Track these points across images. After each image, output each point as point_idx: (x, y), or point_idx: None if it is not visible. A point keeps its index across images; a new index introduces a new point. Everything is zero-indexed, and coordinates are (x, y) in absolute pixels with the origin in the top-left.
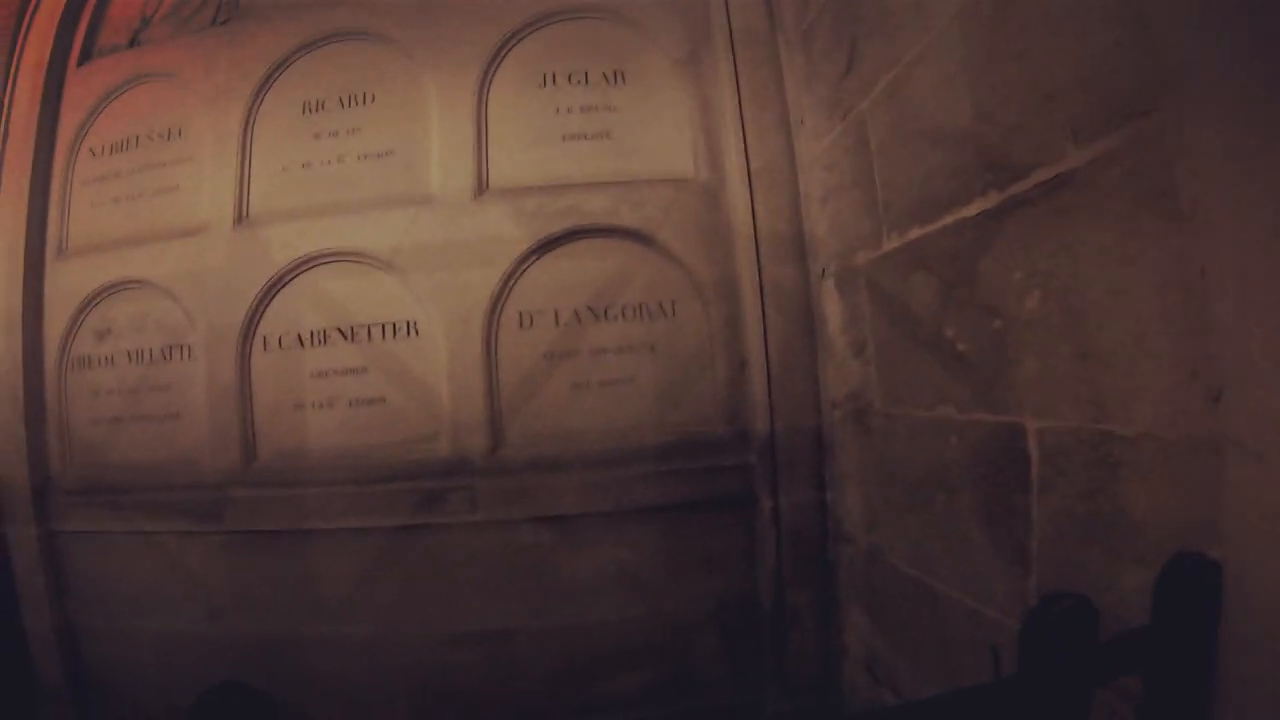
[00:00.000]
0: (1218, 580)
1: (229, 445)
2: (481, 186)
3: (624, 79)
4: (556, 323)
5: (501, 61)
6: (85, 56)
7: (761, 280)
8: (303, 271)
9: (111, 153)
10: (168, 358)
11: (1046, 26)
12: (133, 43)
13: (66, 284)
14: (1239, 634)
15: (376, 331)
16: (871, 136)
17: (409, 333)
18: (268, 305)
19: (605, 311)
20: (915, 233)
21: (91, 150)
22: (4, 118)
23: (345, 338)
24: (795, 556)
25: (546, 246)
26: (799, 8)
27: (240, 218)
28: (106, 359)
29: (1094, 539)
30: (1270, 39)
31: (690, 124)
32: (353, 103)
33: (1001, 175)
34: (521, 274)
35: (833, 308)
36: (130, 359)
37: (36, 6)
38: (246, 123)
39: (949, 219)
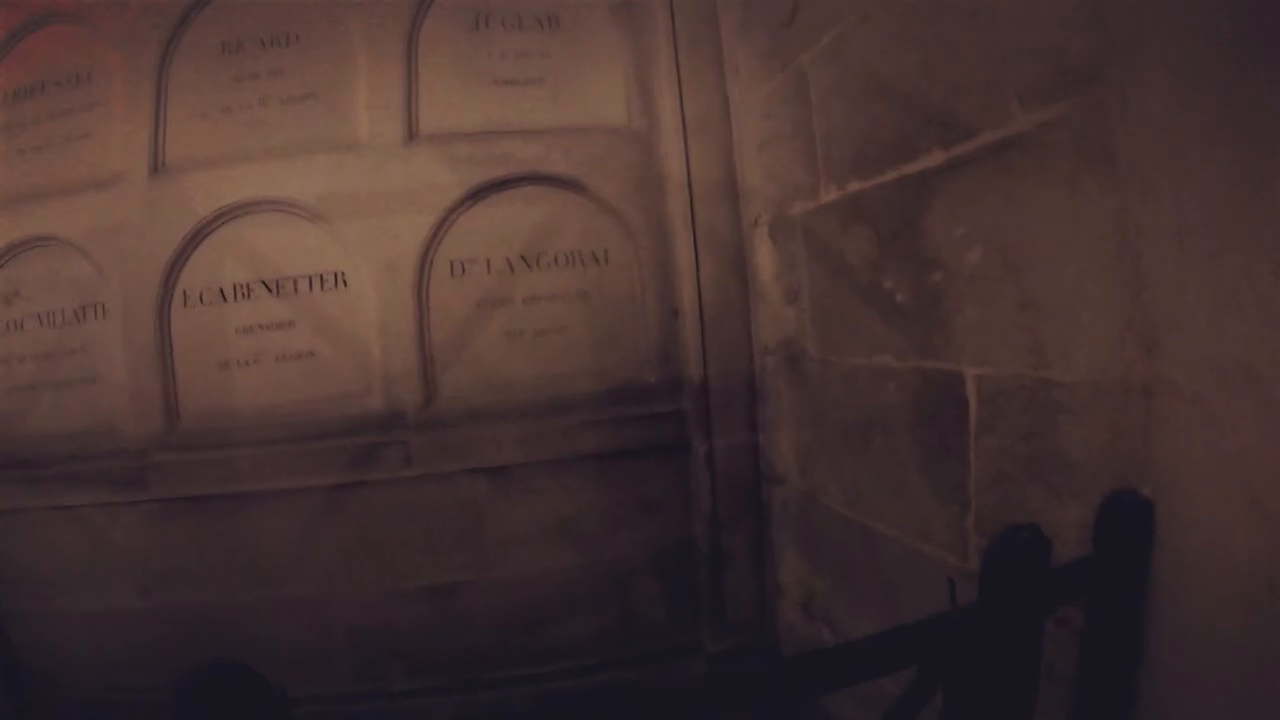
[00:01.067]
0: (1150, 514)
1: (151, 409)
2: (411, 132)
3: (558, 24)
4: (489, 271)
5: (433, 3)
6: None
7: (695, 227)
8: (224, 222)
9: (16, 100)
10: (81, 319)
11: None
12: None
13: None
14: (1171, 562)
15: (304, 284)
16: (813, 89)
17: (337, 284)
18: (187, 259)
19: (538, 259)
20: (855, 186)
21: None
22: None
23: (270, 291)
24: (729, 499)
25: (479, 194)
26: None
27: (156, 166)
28: (16, 323)
29: (1033, 478)
30: (1213, 9)
31: (625, 71)
32: (274, 43)
33: (947, 134)
34: (453, 222)
35: (766, 256)
36: (42, 322)
37: None
38: (161, 65)
39: (891, 174)
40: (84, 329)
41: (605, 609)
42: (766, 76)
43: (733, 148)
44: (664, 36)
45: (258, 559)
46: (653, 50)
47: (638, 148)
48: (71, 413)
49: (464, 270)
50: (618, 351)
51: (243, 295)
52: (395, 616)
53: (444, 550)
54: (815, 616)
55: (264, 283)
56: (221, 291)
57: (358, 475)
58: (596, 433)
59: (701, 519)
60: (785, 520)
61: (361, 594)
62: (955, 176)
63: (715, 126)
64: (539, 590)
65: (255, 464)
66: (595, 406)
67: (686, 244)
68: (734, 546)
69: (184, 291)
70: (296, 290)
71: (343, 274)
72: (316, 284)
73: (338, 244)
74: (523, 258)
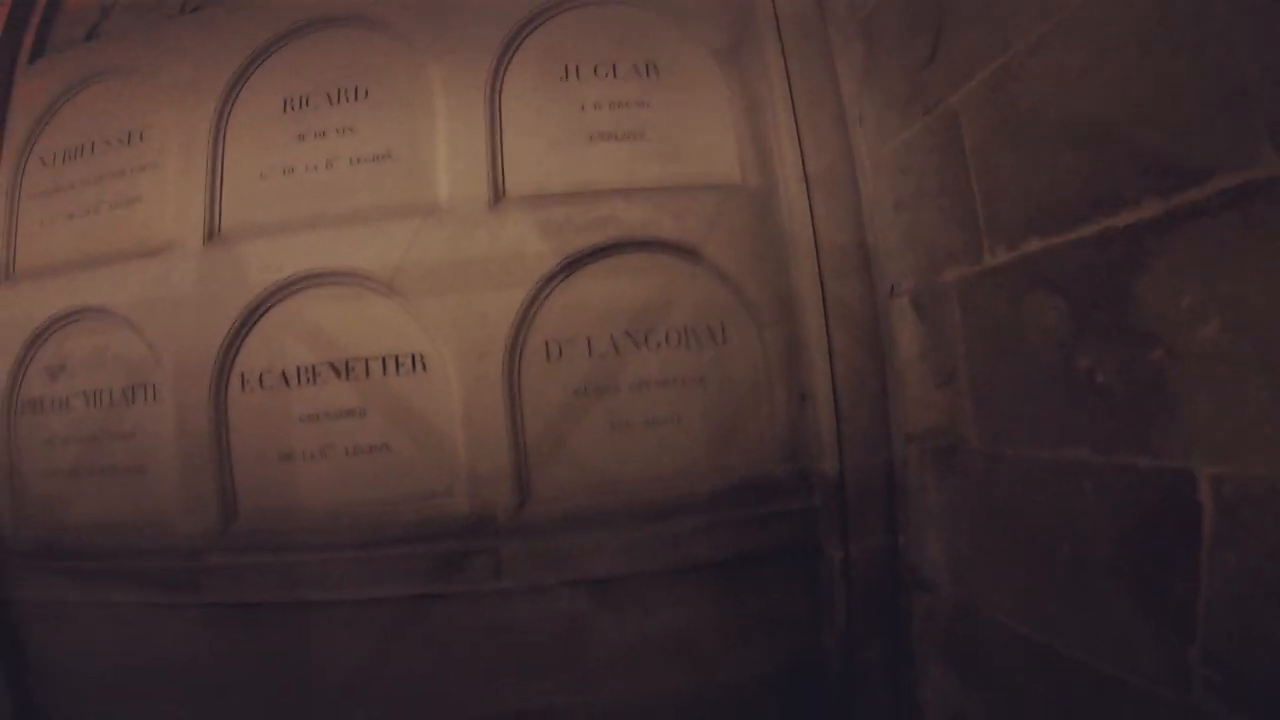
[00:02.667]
0: None
1: (204, 503)
2: (498, 194)
3: (657, 71)
4: (590, 353)
5: (516, 51)
6: (38, 53)
7: (825, 299)
8: (286, 296)
9: (65, 161)
10: (130, 400)
11: (1234, 11)
12: (90, 36)
13: (14, 314)
14: None
15: (376, 366)
16: (967, 135)
17: (414, 368)
18: (245, 337)
19: (646, 338)
20: (1033, 245)
21: (42, 159)
22: None
23: (339, 374)
24: (865, 610)
25: (576, 263)
26: None
27: (211, 233)
28: (61, 401)
29: None
30: None
31: (734, 123)
32: (343, 98)
33: (1166, 180)
34: (547, 297)
35: (907, 331)
36: (88, 401)
37: None
38: (218, 122)
39: (1086, 230)
40: (133, 411)
41: None
42: (900, 125)
43: (861, 207)
44: (777, 84)
45: (320, 676)
46: (764, 99)
47: (755, 209)
48: (117, 503)
49: (561, 352)
50: (738, 444)
51: (308, 379)
52: None
53: (537, 671)
54: None
55: (331, 365)
56: (284, 374)
57: (438, 586)
58: (714, 537)
59: (833, 632)
60: (930, 632)
61: None
62: (1178, 232)
63: (841, 184)
64: (644, 716)
65: (320, 570)
66: (713, 507)
67: (816, 319)
68: (869, 662)
69: (242, 374)
70: (368, 374)
71: (421, 356)
72: (391, 367)
73: (415, 322)
74: (629, 336)
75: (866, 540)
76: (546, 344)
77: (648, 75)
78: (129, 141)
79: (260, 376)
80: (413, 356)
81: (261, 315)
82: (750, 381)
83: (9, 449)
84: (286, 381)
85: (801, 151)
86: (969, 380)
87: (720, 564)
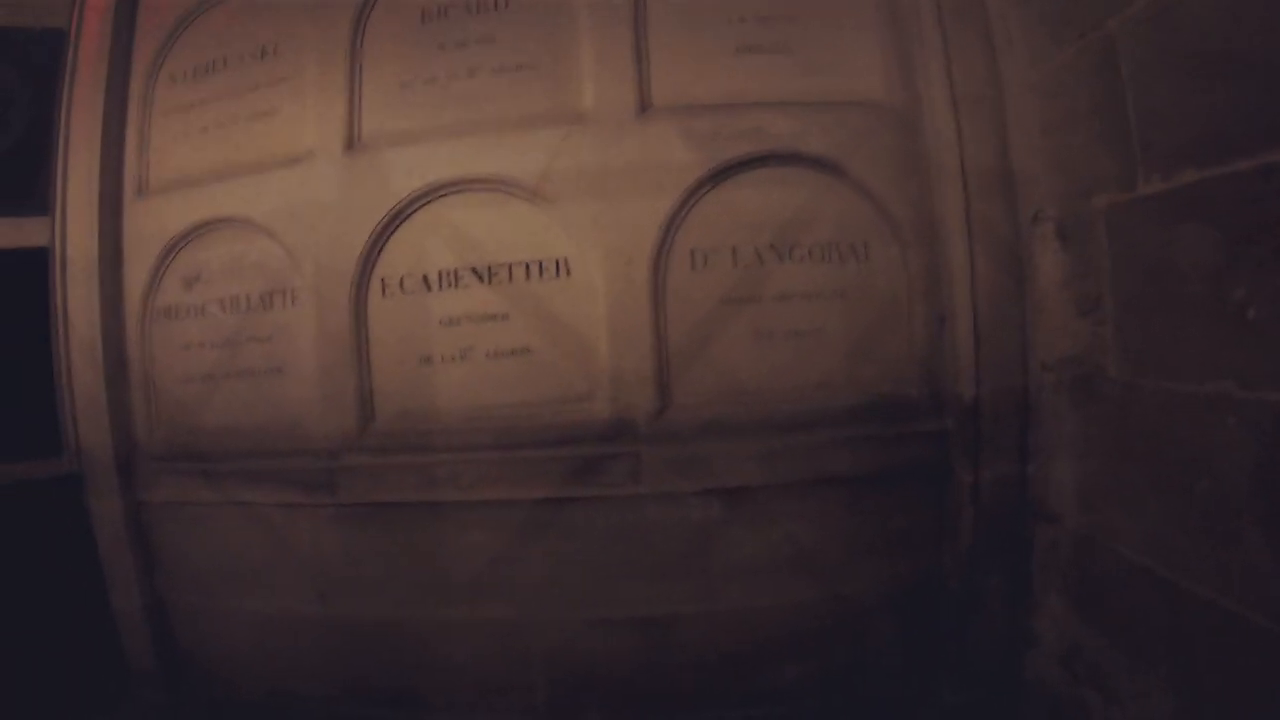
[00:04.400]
0: None
1: (343, 405)
2: (645, 102)
3: None
4: (735, 263)
5: None
6: None
7: (970, 221)
8: (429, 202)
9: (195, 77)
10: (268, 305)
11: None
12: None
13: (148, 225)
14: None
15: (519, 271)
16: (1124, 62)
17: (559, 273)
18: (387, 242)
19: (790, 251)
20: (1189, 176)
21: (172, 76)
22: (71, 48)
23: (481, 279)
24: (989, 535)
25: (723, 174)
26: None
27: (352, 142)
28: (197, 308)
29: None
30: None
31: (880, 38)
32: (482, 9)
33: None
34: (694, 206)
35: (1049, 257)
36: (224, 307)
37: None
38: (355, 34)
39: (1246, 164)
40: (271, 316)
41: (834, 649)
42: (1052, 48)
43: (1007, 131)
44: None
45: (451, 574)
46: (911, 15)
47: (901, 127)
48: (253, 406)
49: (706, 261)
50: (876, 361)
51: (449, 283)
52: (600, 647)
53: (663, 577)
54: (1079, 676)
55: (474, 270)
56: (425, 279)
57: (574, 490)
58: (847, 452)
59: (955, 555)
60: (1051, 563)
61: (564, 620)
62: None
63: (987, 106)
64: (763, 626)
65: (456, 471)
66: (849, 422)
67: (959, 241)
68: (988, 588)
69: (383, 279)
70: (511, 279)
71: (565, 261)
72: (535, 272)
73: (561, 228)
74: (773, 248)
75: (996, 466)
76: (692, 252)
77: None
78: (262, 56)
79: (401, 280)
80: (557, 261)
81: (404, 220)
82: (891, 300)
83: (144, 355)
84: (428, 285)
85: (949, 71)
86: (1113, 309)
87: (851, 479)
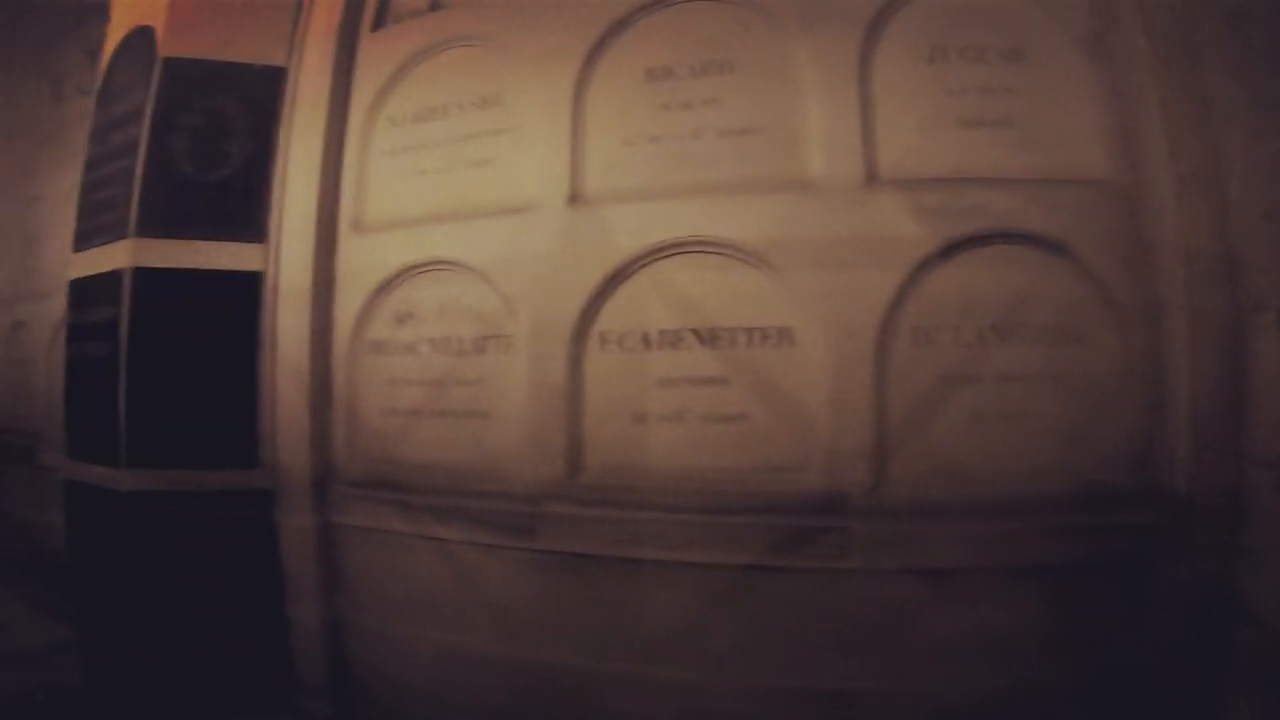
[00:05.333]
0: None
1: (550, 454)
2: (871, 174)
3: (1023, 57)
4: (956, 342)
5: (883, 30)
6: (379, 22)
7: (1190, 306)
8: (653, 261)
9: (415, 122)
10: (480, 350)
11: None
12: (435, 6)
13: (362, 261)
14: None
15: (741, 337)
16: None
17: (781, 341)
18: (608, 298)
19: (1011, 332)
20: None
21: (391, 119)
22: (291, 86)
23: (702, 342)
24: (1188, 635)
25: (949, 251)
26: None
27: (575, 196)
28: (407, 346)
29: None
30: None
31: (1100, 115)
32: (707, 71)
33: None
34: (918, 282)
35: (1270, 351)
36: (435, 347)
37: None
38: (578, 89)
39: None
40: (481, 360)
41: None
42: (1275, 131)
43: (1228, 213)
44: (1144, 76)
45: (639, 630)
46: (1129, 92)
47: (1121, 206)
48: (456, 445)
49: (929, 339)
50: (1088, 448)
51: (669, 344)
52: (781, 716)
53: (855, 652)
54: None
55: (695, 332)
56: (645, 337)
57: (778, 559)
58: (1054, 541)
59: (1151, 653)
60: (1252, 668)
61: (749, 687)
62: None
63: (1207, 187)
64: (949, 710)
65: (661, 530)
66: (1057, 510)
67: (1179, 326)
68: (1183, 688)
69: (601, 333)
70: (733, 344)
71: (789, 330)
72: (757, 339)
73: (785, 296)
74: (995, 329)
75: (1202, 564)
76: (915, 329)
77: (1013, 61)
78: (484, 105)
79: (620, 337)
80: (780, 330)
81: (626, 278)
82: (1106, 385)
83: (349, 385)
84: (647, 344)
85: (1171, 149)
86: None
87: (1053, 568)
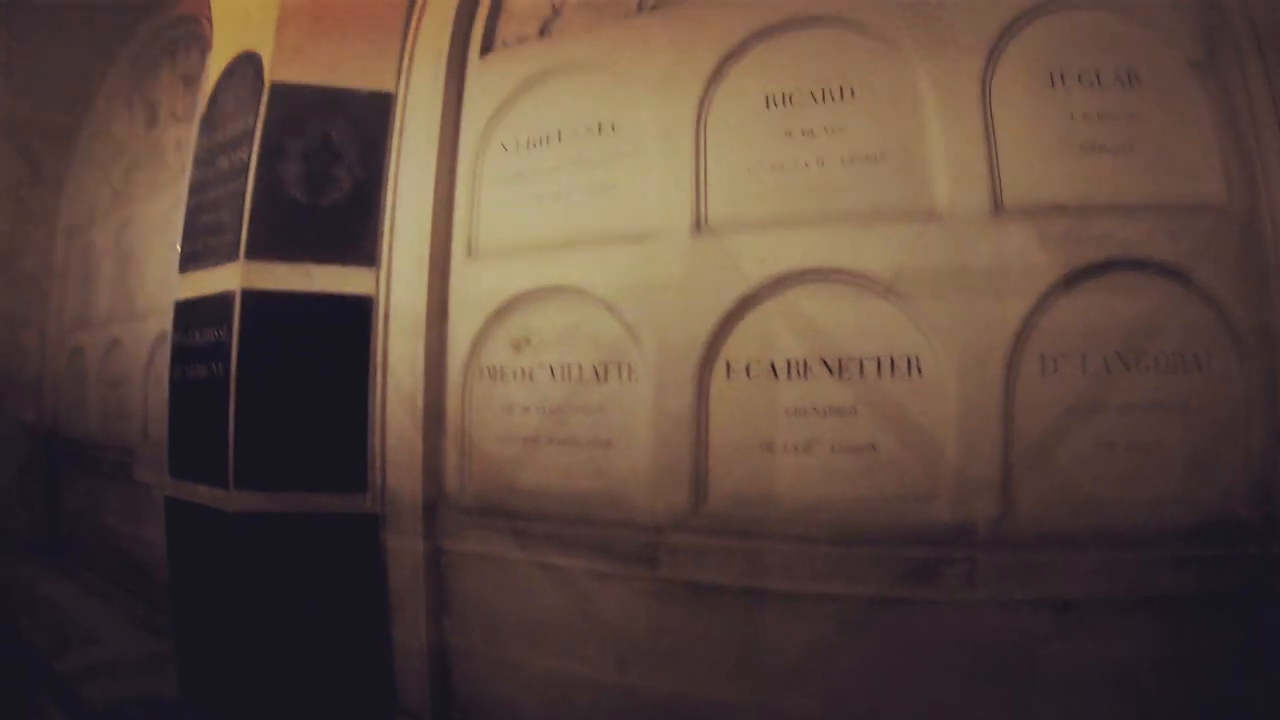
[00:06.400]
0: None
1: (675, 483)
2: (998, 202)
3: (1139, 80)
4: (1083, 370)
5: (1001, 54)
6: (487, 48)
7: None
8: (780, 290)
9: (529, 148)
10: (602, 377)
11: None
12: (543, 32)
13: (477, 287)
14: None
15: (870, 366)
16: None
17: (910, 370)
18: (733, 327)
19: (1136, 360)
20: None
21: (504, 145)
22: (400, 111)
23: (830, 371)
24: None
25: (1075, 279)
26: None
27: (698, 224)
28: (524, 372)
29: None
30: None
31: (1217, 138)
32: (828, 97)
33: None
34: (1045, 310)
35: None
36: (554, 375)
37: None
38: (699, 117)
39: None
40: (603, 389)
41: None
42: None
43: None
44: (1258, 98)
45: (761, 660)
46: (1244, 114)
47: (1241, 232)
48: (575, 474)
49: (1055, 367)
50: (1211, 477)
51: (797, 373)
52: None
53: (979, 684)
54: None
55: (824, 361)
56: (772, 366)
57: (905, 590)
58: (1178, 572)
59: (1267, 685)
60: None
61: (872, 718)
62: None
63: None
64: None
65: (786, 561)
66: (1181, 540)
67: None
68: None
69: (727, 362)
70: (862, 373)
71: (917, 359)
72: (886, 368)
73: (913, 325)
74: (1119, 357)
75: None
76: (1042, 357)
77: (1130, 85)
78: (600, 131)
79: (747, 366)
80: (909, 359)
81: (753, 307)
82: (1228, 414)
83: (463, 411)
84: (775, 373)
85: None
86: None
87: (1177, 599)
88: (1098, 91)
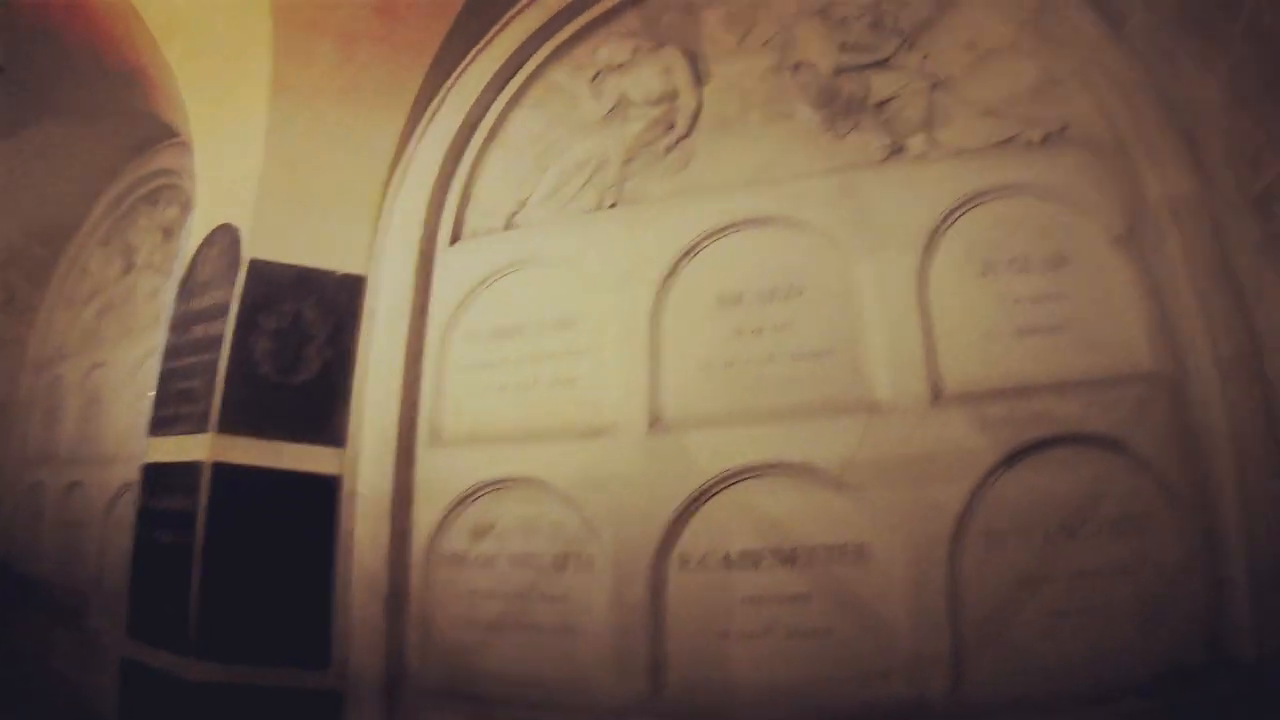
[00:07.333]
0: None
1: (634, 670)
2: (937, 390)
3: (1066, 262)
4: (1027, 544)
5: (936, 248)
6: (456, 236)
7: (1240, 485)
8: (733, 483)
9: (493, 339)
10: (561, 567)
11: None
12: (509, 225)
13: (441, 474)
14: None
15: (821, 554)
16: None
17: (859, 557)
18: (689, 519)
19: (1079, 529)
20: None
21: (469, 334)
22: (370, 294)
23: (783, 561)
24: None
25: (1014, 459)
26: (1246, 172)
27: (655, 420)
28: (485, 559)
29: None
30: None
31: (1142, 309)
32: (776, 297)
33: None
34: (987, 490)
35: None
36: (515, 563)
37: (401, 183)
38: (653, 315)
39: None
40: (563, 578)
41: None
42: None
43: (1273, 389)
44: (1177, 266)
45: None
46: (1167, 282)
47: (1170, 396)
48: (537, 659)
49: (1001, 543)
50: (1160, 629)
51: (751, 563)
52: None
53: None
54: None
55: (776, 551)
56: (727, 557)
57: None
58: None
59: None
60: None
61: None
62: None
63: (1249, 366)
64: None
65: None
66: (1137, 693)
67: (1233, 507)
68: None
69: (683, 554)
70: (813, 561)
71: (866, 546)
72: (836, 555)
73: (862, 513)
74: (1063, 528)
75: None
76: (987, 534)
77: (1058, 266)
78: (562, 326)
79: (702, 557)
80: (858, 546)
81: (707, 500)
82: (1172, 569)
83: (425, 593)
84: (729, 564)
85: (1210, 335)
86: None
87: None
88: (1028, 276)
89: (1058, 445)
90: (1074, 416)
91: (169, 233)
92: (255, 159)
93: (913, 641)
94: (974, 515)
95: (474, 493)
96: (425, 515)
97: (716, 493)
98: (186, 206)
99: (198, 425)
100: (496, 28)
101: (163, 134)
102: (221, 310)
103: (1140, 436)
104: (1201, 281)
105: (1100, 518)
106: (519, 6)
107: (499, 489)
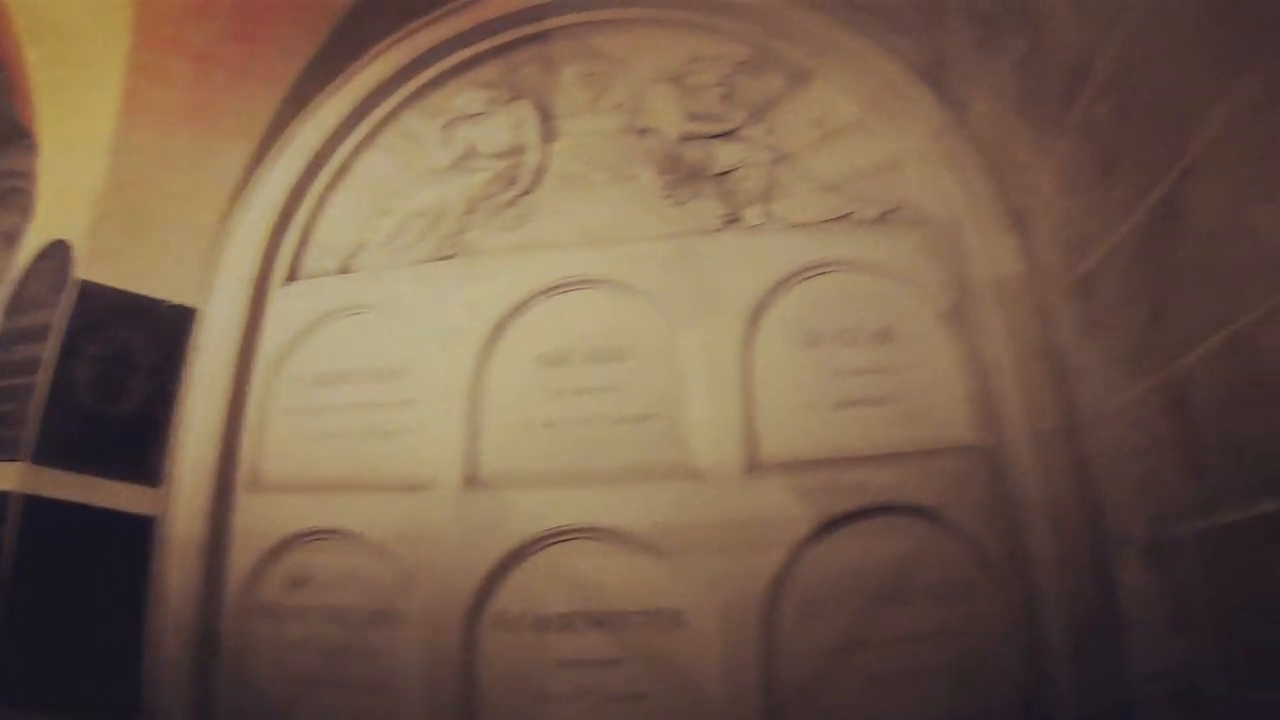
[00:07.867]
0: None
1: None
2: (754, 460)
3: (892, 336)
4: (844, 611)
5: (763, 317)
6: (292, 275)
7: (1057, 554)
8: (548, 545)
9: (319, 384)
10: (376, 622)
11: None
12: (344, 268)
13: (258, 522)
14: None
15: (637, 620)
16: (1197, 396)
17: (674, 622)
18: (502, 580)
19: (897, 596)
20: (1269, 506)
21: (296, 377)
22: (199, 328)
23: (598, 625)
24: None
25: (830, 527)
26: (1069, 255)
27: (471, 478)
28: (300, 612)
29: None
30: None
31: (965, 385)
32: (601, 359)
33: None
34: (802, 558)
35: (1138, 580)
36: (329, 617)
37: (244, 215)
38: (478, 370)
39: None
40: (377, 634)
41: None
42: (1126, 381)
43: (1088, 460)
44: (1000, 342)
45: None
46: (990, 358)
47: (989, 468)
48: (352, 717)
49: (816, 611)
50: (979, 694)
51: (565, 626)
52: None
53: None
54: None
55: (591, 615)
56: (541, 619)
57: None
58: None
59: None
60: None
61: None
62: None
63: (1067, 439)
64: None
65: None
66: None
67: (1049, 572)
68: None
69: (496, 613)
70: (627, 626)
71: (680, 612)
72: (650, 621)
73: (675, 579)
74: (879, 595)
75: None
76: (802, 603)
77: (885, 340)
78: (384, 378)
79: (517, 619)
80: (672, 612)
81: (521, 561)
82: (991, 634)
83: (238, 646)
84: (543, 625)
85: (1029, 409)
86: (1210, 627)
87: None
88: (856, 348)
89: (876, 515)
90: (893, 486)
91: (10, 239)
92: (98, 175)
93: (726, 705)
94: (790, 582)
95: (291, 541)
96: (241, 562)
97: (532, 553)
98: (29, 213)
99: (11, 452)
100: (358, 64)
101: (14, 133)
102: (46, 331)
103: (959, 507)
104: (1024, 358)
105: (918, 585)
106: (384, 44)
107: (317, 539)
